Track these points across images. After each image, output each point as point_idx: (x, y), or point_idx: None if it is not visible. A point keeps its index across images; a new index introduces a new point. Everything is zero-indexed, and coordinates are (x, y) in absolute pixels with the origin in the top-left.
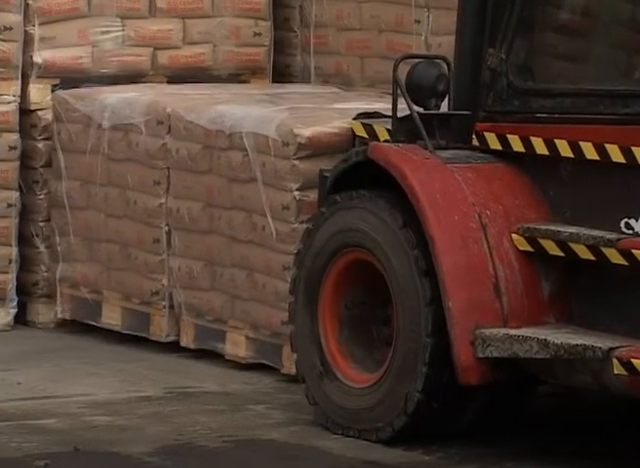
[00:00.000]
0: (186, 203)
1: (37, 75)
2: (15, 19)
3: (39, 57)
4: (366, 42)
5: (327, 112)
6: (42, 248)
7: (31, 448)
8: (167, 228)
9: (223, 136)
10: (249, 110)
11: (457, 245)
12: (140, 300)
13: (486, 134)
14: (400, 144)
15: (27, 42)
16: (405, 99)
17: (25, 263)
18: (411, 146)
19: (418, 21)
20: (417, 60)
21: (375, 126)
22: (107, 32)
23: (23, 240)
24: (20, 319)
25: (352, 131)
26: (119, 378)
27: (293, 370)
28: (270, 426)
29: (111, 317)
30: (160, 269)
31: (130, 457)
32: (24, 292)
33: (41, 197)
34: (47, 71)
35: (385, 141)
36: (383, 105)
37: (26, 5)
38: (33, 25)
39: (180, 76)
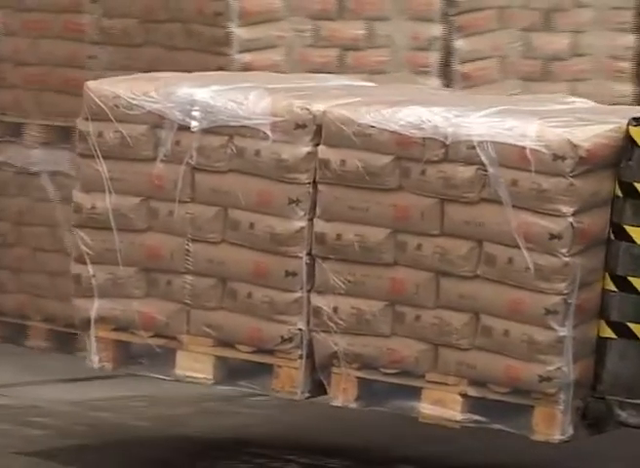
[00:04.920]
0: (352, 227)
1: None
2: None
3: None
4: (42, 76)
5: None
6: None
7: None
8: (308, 259)
9: (436, 145)
10: (469, 114)
11: None
12: (256, 348)
13: None
14: None
15: None
16: None
17: None
18: None
19: (92, 57)
20: None
21: None
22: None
23: None
24: None
25: (631, 139)
26: None
27: None
28: None
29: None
30: (295, 310)
31: None
32: None
33: None
34: None
35: None
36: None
37: None
38: None
39: None
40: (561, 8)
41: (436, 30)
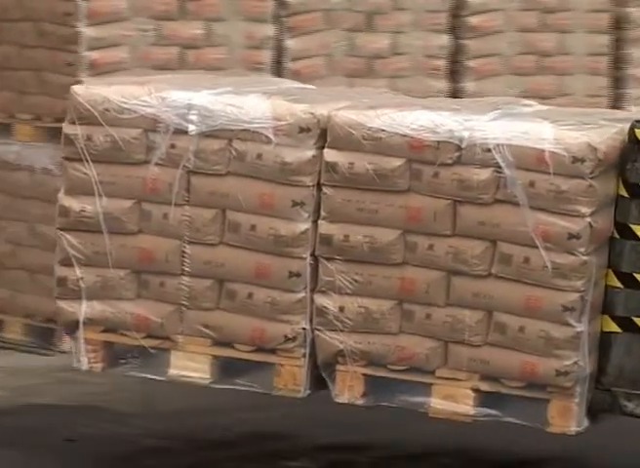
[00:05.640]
0: (360, 229)
1: None
2: None
3: None
4: None
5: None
6: None
7: None
8: (311, 260)
9: (451, 148)
10: (479, 117)
11: None
12: (257, 347)
13: None
14: None
15: None
16: None
17: None
18: None
19: None
20: None
21: None
22: None
23: None
24: None
25: (637, 141)
26: None
27: None
28: None
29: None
30: (298, 309)
31: None
32: None
33: None
34: None
35: None
36: None
37: None
38: None
39: None
40: (382, 11)
41: (269, 30)
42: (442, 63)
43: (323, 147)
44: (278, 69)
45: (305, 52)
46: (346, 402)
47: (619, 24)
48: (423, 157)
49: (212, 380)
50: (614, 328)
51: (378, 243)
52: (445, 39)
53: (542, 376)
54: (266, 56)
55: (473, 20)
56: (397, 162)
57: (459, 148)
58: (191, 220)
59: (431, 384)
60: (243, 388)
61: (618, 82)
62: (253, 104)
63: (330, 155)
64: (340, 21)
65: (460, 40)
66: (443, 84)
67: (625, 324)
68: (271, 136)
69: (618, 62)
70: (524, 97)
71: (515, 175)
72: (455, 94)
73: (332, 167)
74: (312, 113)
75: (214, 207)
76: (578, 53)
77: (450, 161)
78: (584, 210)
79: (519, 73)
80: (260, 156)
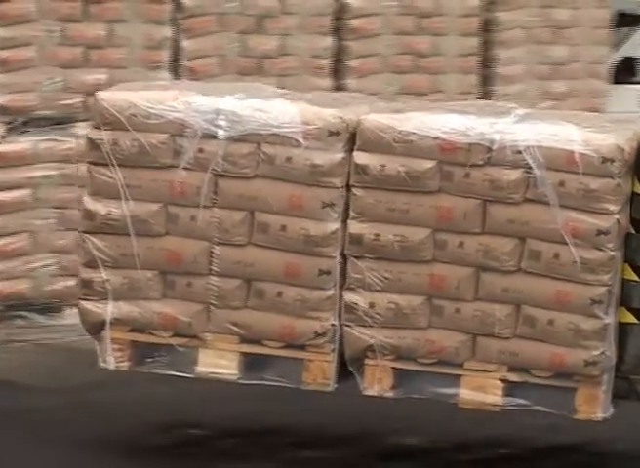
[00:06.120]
0: (391, 228)
1: None
2: None
3: None
4: None
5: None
6: None
7: None
8: (340, 258)
9: (482, 150)
10: (505, 120)
11: None
12: (286, 344)
13: None
14: None
15: None
16: None
17: None
18: None
19: None
20: None
21: None
22: None
23: None
24: None
25: None
26: None
27: None
28: None
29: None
30: (328, 306)
31: None
32: None
33: None
34: None
35: None
36: None
37: None
38: None
39: None
40: (271, 14)
41: (167, 32)
42: (326, 63)
43: (351, 150)
44: (175, 68)
45: (200, 52)
46: (375, 394)
47: (487, 27)
48: (454, 159)
49: (240, 376)
50: (631, 319)
51: (408, 241)
52: (329, 41)
53: (571, 367)
54: (164, 55)
55: (355, 23)
56: (428, 164)
57: (489, 150)
58: (220, 222)
59: (460, 376)
60: (271, 383)
61: (486, 80)
62: (281, 109)
63: (360, 157)
64: (232, 24)
65: (342, 41)
66: (327, 82)
67: None
68: (301, 140)
69: (486, 62)
70: (401, 93)
71: (545, 176)
72: (337, 91)
73: (362, 169)
74: (341, 117)
75: (242, 209)
76: (450, 53)
77: (481, 162)
78: (612, 207)
79: (396, 72)
80: (289, 159)
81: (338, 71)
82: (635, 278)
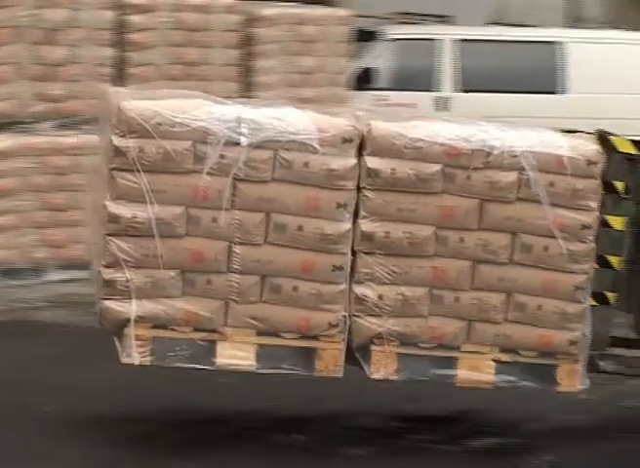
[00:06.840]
0: (400, 226)
1: None
2: None
3: None
4: None
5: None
6: None
7: None
8: (351, 255)
9: (483, 154)
10: (500, 128)
11: None
12: (302, 335)
13: None
14: None
15: None
16: None
17: None
18: None
19: None
20: None
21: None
22: None
23: None
24: None
25: (613, 147)
26: None
27: None
28: None
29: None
30: (340, 299)
31: None
32: None
33: None
34: None
35: None
36: None
37: None
38: None
39: None
40: (61, 27)
41: None
42: (108, 71)
43: (361, 155)
44: None
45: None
46: (382, 378)
47: (248, 41)
48: (458, 163)
49: (257, 366)
50: (591, 302)
51: (415, 238)
52: (110, 51)
53: (557, 346)
54: None
55: (134, 37)
56: (435, 167)
57: (489, 154)
58: (241, 223)
59: (457, 358)
60: (286, 372)
61: (248, 87)
62: (295, 118)
63: (372, 162)
64: (25, 36)
65: (123, 52)
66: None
67: (600, 298)
68: (317, 147)
69: (247, 72)
70: None
71: (538, 177)
72: None
73: (374, 172)
74: (354, 126)
75: (262, 210)
76: (217, 63)
77: (481, 166)
78: (594, 204)
79: (170, 79)
80: (307, 164)
81: (120, 78)
82: (594, 265)
